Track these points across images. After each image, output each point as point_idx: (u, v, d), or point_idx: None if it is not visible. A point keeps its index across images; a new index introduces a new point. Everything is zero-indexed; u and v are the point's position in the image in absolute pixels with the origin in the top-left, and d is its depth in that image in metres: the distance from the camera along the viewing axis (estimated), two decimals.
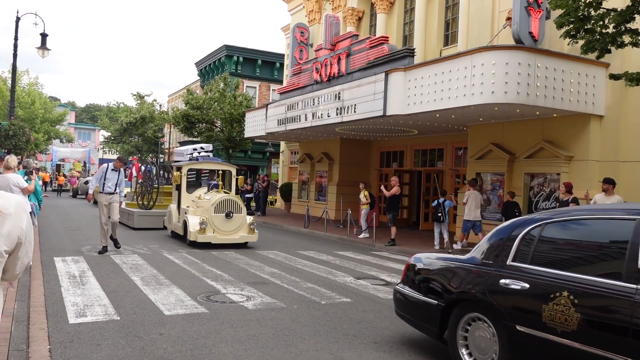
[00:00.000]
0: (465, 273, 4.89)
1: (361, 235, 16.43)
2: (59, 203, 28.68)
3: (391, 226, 14.90)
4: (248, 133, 25.51)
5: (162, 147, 47.24)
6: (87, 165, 52.86)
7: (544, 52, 12.61)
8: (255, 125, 24.06)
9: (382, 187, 16.55)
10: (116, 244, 11.67)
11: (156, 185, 17.63)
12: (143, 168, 18.96)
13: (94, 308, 6.73)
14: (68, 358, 4.92)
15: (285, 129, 20.77)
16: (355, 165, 23.59)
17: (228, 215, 12.86)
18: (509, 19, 14.23)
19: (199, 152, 16.03)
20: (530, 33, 13.38)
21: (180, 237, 14.02)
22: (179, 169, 14.91)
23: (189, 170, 15.08)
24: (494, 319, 4.50)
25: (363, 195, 17.02)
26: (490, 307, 4.53)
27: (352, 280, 9.51)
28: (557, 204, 12.14)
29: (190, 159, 15.65)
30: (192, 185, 15.35)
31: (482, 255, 4.84)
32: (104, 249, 11.36)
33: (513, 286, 4.32)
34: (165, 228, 15.92)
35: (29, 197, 9.08)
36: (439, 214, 14.35)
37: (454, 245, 14.06)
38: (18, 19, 20.91)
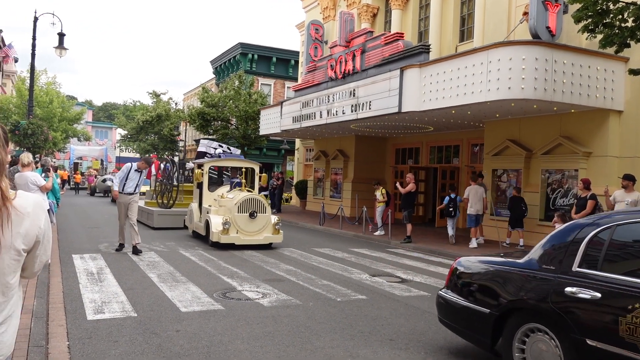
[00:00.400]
0: (522, 279, 4.45)
1: (377, 233, 16.39)
2: (76, 201, 29.02)
3: (407, 223, 14.84)
4: (263, 130, 25.56)
5: (179, 145, 47.50)
6: (104, 163, 53.38)
7: (561, 47, 12.46)
8: (270, 123, 24.09)
9: (398, 184, 16.49)
10: (136, 250, 11.01)
11: (176, 184, 17.12)
12: (162, 166, 18.61)
13: (112, 305, 6.80)
14: (86, 354, 4.98)
15: (300, 126, 20.77)
16: (370, 163, 23.52)
17: (252, 215, 12.30)
18: (525, 13, 14.07)
19: (223, 150, 15.42)
20: (548, 28, 13.21)
21: (201, 237, 13.59)
22: (200, 166, 14.30)
23: (211, 167, 14.51)
24: (558, 331, 4.08)
25: (380, 194, 16.95)
26: (553, 318, 4.11)
27: (367, 277, 9.49)
28: (575, 200, 11.98)
29: (212, 156, 15.03)
30: (214, 184, 14.78)
31: (541, 260, 4.41)
32: (121, 247, 11.37)
33: (582, 295, 3.90)
34: (186, 227, 15.55)
35: (47, 195, 9.18)
36: (450, 209, 14.67)
37: (469, 244, 13.99)
38: (36, 19, 21.15)
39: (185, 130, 46.09)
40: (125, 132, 52.02)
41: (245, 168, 14.56)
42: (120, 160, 64.98)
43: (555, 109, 13.46)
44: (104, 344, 5.26)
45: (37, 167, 10.51)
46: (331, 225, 18.41)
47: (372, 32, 18.86)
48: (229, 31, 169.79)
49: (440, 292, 5.38)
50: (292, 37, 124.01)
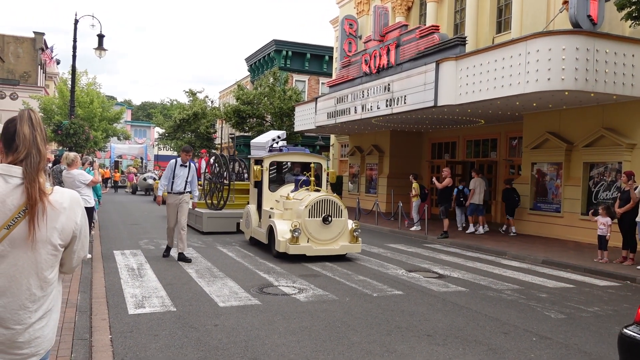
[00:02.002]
0: None
1: (413, 228, 16.26)
2: (117, 199, 29.71)
3: (444, 218, 14.69)
4: (298, 127, 25.64)
5: (215, 142, 48.02)
6: (144, 161, 54.40)
7: (603, 36, 12.08)
8: (305, 119, 24.15)
9: (434, 179, 16.33)
10: (184, 258, 9.82)
11: (227, 182, 14.98)
12: (212, 161, 16.44)
13: (152, 299, 6.93)
14: (128, 347, 5.09)
15: (334, 122, 20.75)
16: (406, 157, 23.33)
17: (326, 220, 10.30)
18: (565, 2, 13.68)
19: (277, 142, 13.52)
20: (589, 16, 12.83)
21: (261, 245, 11.71)
22: (258, 162, 12.21)
23: (271, 163, 12.26)
24: None
25: (413, 188, 16.83)
26: None
27: (404, 272, 9.43)
28: (619, 193, 11.63)
29: (270, 150, 13.02)
30: (274, 182, 12.51)
31: None
32: (168, 250, 10.22)
33: None
34: (239, 232, 13.97)
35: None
36: (461, 199, 15.99)
37: (470, 230, 15.55)
38: (76, 21, 21.70)
39: (222, 127, 46.60)
40: (163, 130, 52.90)
41: (308, 163, 12.37)
42: (159, 159, 66.11)
43: (597, 99, 13.08)
44: (144, 338, 5.38)
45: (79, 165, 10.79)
46: (367, 220, 18.35)
47: (406, 25, 18.66)
48: (264, 28, 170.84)
49: (626, 330, 3.72)
50: (326, 32, 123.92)
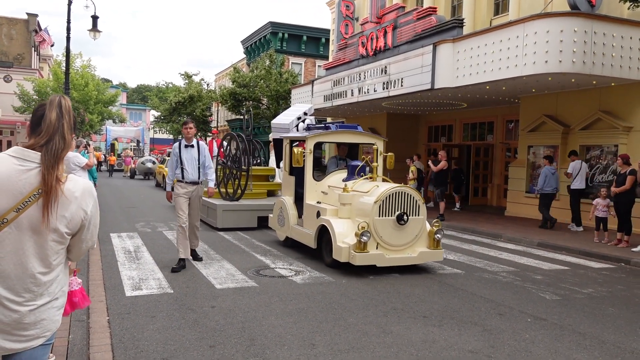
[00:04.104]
0: None
1: None
2: (113, 182, 29.62)
3: (439, 201, 14.73)
4: None
5: (212, 125, 47.87)
6: (140, 144, 54.09)
7: (601, 18, 12.02)
8: (302, 102, 24.03)
9: (430, 162, 16.32)
10: (196, 257, 8.39)
11: (246, 168, 12.53)
12: (226, 144, 13.79)
13: (149, 282, 6.95)
14: (125, 328, 5.11)
15: (331, 104, 20.67)
16: (402, 141, 23.23)
17: (400, 219, 7.79)
18: None
19: (303, 119, 11.29)
20: None
21: (301, 247, 9.53)
22: (295, 143, 9.84)
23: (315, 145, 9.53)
24: None
25: (410, 171, 16.84)
26: None
27: None
28: (615, 176, 11.67)
29: (307, 128, 10.39)
30: (316, 168, 10.01)
31: None
32: (181, 264, 7.75)
33: None
34: (261, 227, 12.12)
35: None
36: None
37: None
38: (70, 2, 21.43)
39: (217, 110, 46.42)
40: (159, 113, 52.64)
41: (357, 144, 10.23)
42: (155, 142, 65.74)
43: (594, 82, 13.06)
44: (142, 319, 5.40)
45: (76, 147, 10.74)
46: None
47: (403, 7, 18.51)
48: (260, 10, 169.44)
49: None
50: (323, 14, 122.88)
